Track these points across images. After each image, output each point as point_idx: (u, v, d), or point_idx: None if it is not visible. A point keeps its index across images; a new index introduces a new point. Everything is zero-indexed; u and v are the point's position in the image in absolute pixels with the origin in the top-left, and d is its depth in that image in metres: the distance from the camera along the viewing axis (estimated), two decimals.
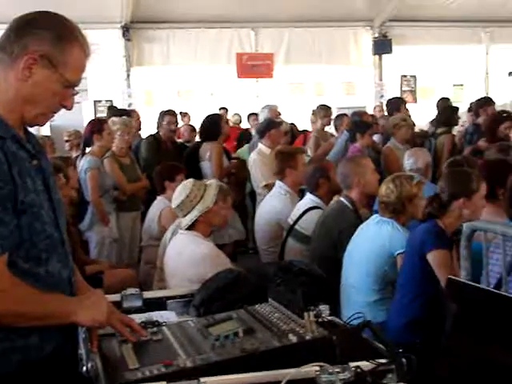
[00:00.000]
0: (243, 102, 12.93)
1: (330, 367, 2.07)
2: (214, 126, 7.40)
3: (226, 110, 12.34)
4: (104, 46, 11.89)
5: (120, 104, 11.63)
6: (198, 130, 8.61)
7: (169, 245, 4.36)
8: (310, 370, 2.09)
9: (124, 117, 7.58)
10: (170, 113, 8.16)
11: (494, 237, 3.41)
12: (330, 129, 9.31)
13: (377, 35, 13.28)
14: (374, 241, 4.35)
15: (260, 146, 7.34)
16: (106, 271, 5.67)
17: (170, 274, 4.16)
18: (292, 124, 9.68)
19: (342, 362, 2.12)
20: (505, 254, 3.10)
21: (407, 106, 9.93)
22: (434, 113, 9.82)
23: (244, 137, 10.52)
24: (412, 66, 13.75)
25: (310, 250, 5.16)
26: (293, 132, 9.28)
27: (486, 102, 8.81)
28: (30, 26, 2.14)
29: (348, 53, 13.39)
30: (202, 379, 2.02)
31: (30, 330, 2.13)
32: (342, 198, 5.04)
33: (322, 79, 13.38)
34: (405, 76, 13.84)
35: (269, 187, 6.53)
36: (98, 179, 6.52)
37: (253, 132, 10.12)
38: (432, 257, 3.91)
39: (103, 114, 10.52)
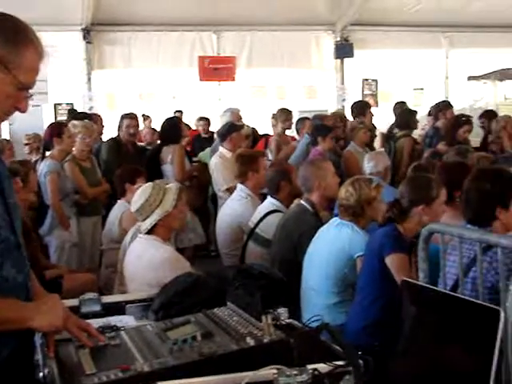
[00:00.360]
0: (205, 105, 12.90)
1: (287, 370, 2.08)
2: (174, 128, 7.38)
3: (182, 112, 12.32)
4: (64, 48, 11.77)
5: (81, 107, 11.53)
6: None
7: (128, 249, 4.34)
8: (268, 372, 2.10)
9: (86, 120, 7.52)
10: (130, 116, 8.11)
11: (451, 239, 3.45)
12: (292, 132, 9.34)
13: (338, 39, 13.35)
14: (333, 243, 4.38)
15: (221, 149, 7.34)
16: (65, 276, 5.62)
17: (129, 278, 4.14)
18: (253, 128, 9.70)
19: (299, 365, 2.13)
20: (461, 255, 3.14)
21: None
22: (393, 117, 9.94)
23: (196, 141, 10.55)
24: (373, 69, 13.84)
25: (270, 253, 5.17)
26: (254, 136, 9.30)
27: (445, 106, 8.95)
28: None
29: (310, 56, 13.44)
30: (160, 383, 2.02)
31: None
32: (302, 201, 5.06)
33: (284, 83, 13.40)
34: (366, 80, 13.93)
35: (230, 190, 6.53)
36: (58, 183, 6.46)
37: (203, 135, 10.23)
38: (390, 260, 3.95)
39: (64, 118, 10.42)
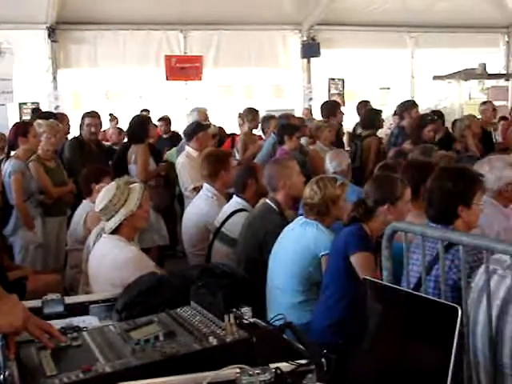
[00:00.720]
0: (172, 104, 12.87)
1: (250, 369, 2.09)
2: (139, 128, 7.34)
3: (148, 111, 12.27)
4: (29, 47, 11.69)
5: (46, 106, 11.43)
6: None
7: (92, 249, 4.31)
8: (230, 372, 2.10)
9: (51, 119, 7.45)
10: (91, 115, 8.04)
11: (415, 237, 3.49)
12: (259, 132, 9.35)
13: (305, 38, 13.42)
14: (298, 242, 4.39)
15: (188, 148, 7.32)
16: (30, 277, 5.56)
17: (93, 279, 4.11)
18: (220, 127, 9.70)
19: (262, 364, 2.14)
20: (424, 254, 3.16)
21: None
22: (358, 116, 10.01)
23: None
24: (340, 69, 13.94)
25: (236, 252, 5.17)
26: (221, 135, 9.29)
27: (410, 106, 9.02)
28: None
29: (277, 56, 13.50)
30: None
31: None
32: (267, 201, 5.07)
33: (251, 82, 13.43)
34: (333, 79, 14.02)
35: (197, 190, 6.51)
36: (23, 183, 6.40)
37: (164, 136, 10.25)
38: (355, 259, 3.98)
39: (29, 117, 10.31)
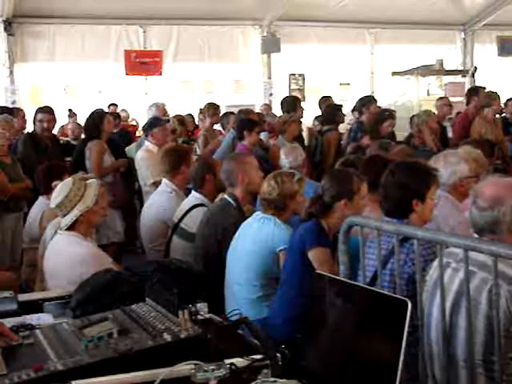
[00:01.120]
0: (132, 99, 12.79)
1: (204, 365, 2.09)
2: (94, 123, 7.26)
3: (116, 105, 12.19)
4: None
5: (3, 101, 11.28)
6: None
7: (48, 245, 4.26)
8: (185, 368, 2.10)
9: (5, 114, 7.33)
10: (44, 110, 7.89)
11: (371, 232, 3.51)
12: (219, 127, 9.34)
13: (265, 34, 13.43)
14: (256, 237, 4.39)
15: (147, 143, 7.28)
16: None
17: (49, 276, 4.06)
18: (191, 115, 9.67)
19: (217, 360, 2.14)
20: (380, 248, 3.19)
21: None
22: (319, 111, 10.06)
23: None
24: (300, 64, 13.98)
25: (194, 247, 5.15)
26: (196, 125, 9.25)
27: (368, 101, 9.07)
28: None
29: (237, 51, 13.49)
30: (74, 382, 1.99)
31: None
32: (225, 196, 5.06)
33: (211, 77, 13.40)
34: (293, 74, 14.05)
35: (156, 185, 6.47)
36: None
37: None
38: (313, 254, 3.99)
39: None
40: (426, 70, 13.03)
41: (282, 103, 9.72)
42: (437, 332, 3.00)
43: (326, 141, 8.57)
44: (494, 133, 8.58)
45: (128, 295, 2.75)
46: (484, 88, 9.80)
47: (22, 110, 9.30)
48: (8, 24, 11.58)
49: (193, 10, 12.35)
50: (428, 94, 13.55)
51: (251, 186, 5.08)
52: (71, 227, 3.95)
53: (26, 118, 9.09)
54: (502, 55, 15.26)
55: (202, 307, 2.53)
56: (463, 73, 14.02)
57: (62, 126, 11.08)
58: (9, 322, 2.52)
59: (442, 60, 13.13)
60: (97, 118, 7.33)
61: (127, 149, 8.83)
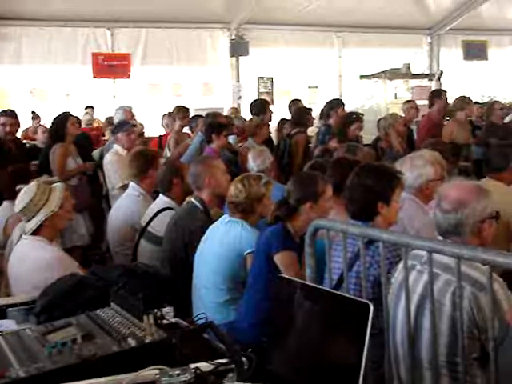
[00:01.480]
0: (100, 102, 12.69)
1: (169, 370, 2.08)
2: (59, 127, 7.21)
3: (93, 108, 12.13)
4: None
5: None
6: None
7: (13, 250, 4.21)
8: (149, 373, 2.09)
9: None
10: (6, 113, 7.80)
11: (337, 234, 3.53)
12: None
13: (234, 37, 13.42)
14: (223, 241, 4.39)
15: (115, 146, 7.25)
16: None
17: (14, 281, 4.01)
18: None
19: (182, 364, 2.13)
20: (346, 250, 3.21)
21: None
22: (289, 114, 10.08)
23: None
24: (269, 68, 13.99)
25: (162, 251, 5.14)
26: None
27: (336, 104, 9.12)
28: None
29: (206, 54, 13.46)
30: None
31: None
32: (192, 199, 5.05)
33: (180, 80, 13.35)
34: (262, 78, 14.05)
35: (125, 188, 6.44)
36: None
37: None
38: (279, 258, 3.99)
39: None
40: (393, 74, 13.14)
41: (251, 106, 9.74)
42: (402, 334, 3.03)
43: (295, 143, 8.60)
44: (464, 136, 8.70)
45: (93, 300, 2.72)
46: (445, 91, 9.91)
47: None
48: None
49: (161, 13, 12.29)
50: (395, 98, 13.68)
51: (218, 189, 5.08)
52: (36, 232, 3.92)
53: None
54: (467, 59, 15.42)
55: (169, 311, 2.52)
56: (429, 76, 14.14)
57: (26, 129, 10.97)
58: None
59: (408, 64, 13.25)
60: (60, 121, 7.28)
61: (94, 152, 8.79)
